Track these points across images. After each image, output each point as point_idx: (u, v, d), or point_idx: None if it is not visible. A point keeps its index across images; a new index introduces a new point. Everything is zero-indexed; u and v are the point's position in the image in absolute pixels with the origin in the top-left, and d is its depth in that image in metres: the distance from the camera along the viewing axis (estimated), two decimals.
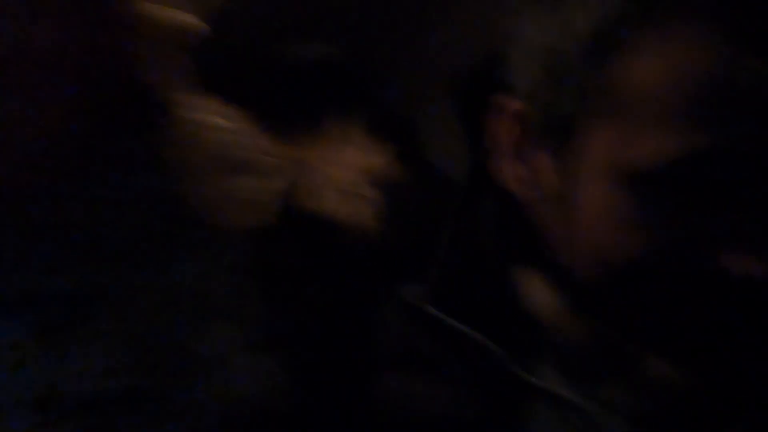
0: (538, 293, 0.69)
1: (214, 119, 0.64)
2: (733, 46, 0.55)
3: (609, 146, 0.61)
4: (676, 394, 0.64)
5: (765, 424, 0.65)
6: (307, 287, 0.68)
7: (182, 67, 0.64)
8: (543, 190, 0.67)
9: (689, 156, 0.57)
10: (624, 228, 0.61)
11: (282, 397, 0.64)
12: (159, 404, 0.60)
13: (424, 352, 0.68)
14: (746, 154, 0.57)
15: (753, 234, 0.58)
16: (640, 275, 0.61)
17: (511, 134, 0.67)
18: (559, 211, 0.66)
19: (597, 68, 0.60)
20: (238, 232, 0.63)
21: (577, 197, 0.64)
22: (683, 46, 0.57)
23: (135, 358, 0.59)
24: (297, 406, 0.65)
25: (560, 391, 0.66)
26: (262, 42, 0.85)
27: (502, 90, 0.68)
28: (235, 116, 0.65)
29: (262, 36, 0.85)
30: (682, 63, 0.57)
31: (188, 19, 0.64)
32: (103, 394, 0.59)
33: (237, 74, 0.75)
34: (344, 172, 0.69)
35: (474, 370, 0.67)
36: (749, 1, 0.55)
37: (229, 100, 0.66)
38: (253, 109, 0.66)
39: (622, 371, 0.65)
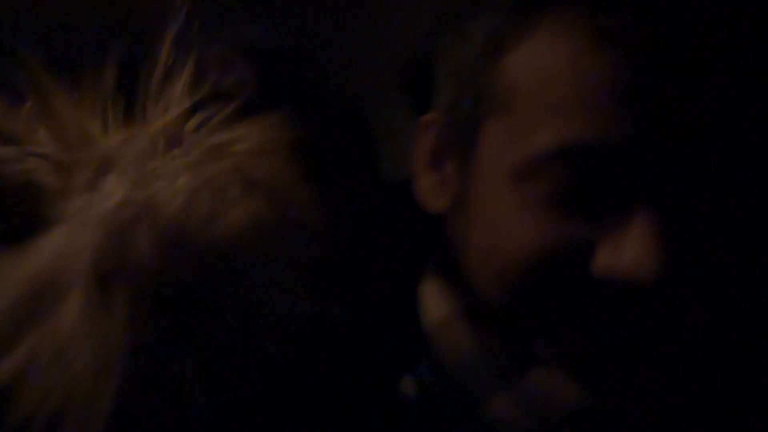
0: (433, 304, 0.69)
1: None
2: (601, 44, 0.59)
3: (499, 146, 0.63)
4: (563, 408, 0.64)
5: None
6: None
7: None
8: (451, 199, 0.69)
9: (559, 150, 0.59)
10: (510, 230, 0.62)
11: None
12: None
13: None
14: (615, 148, 0.59)
15: (624, 235, 0.59)
16: (527, 282, 0.62)
17: (426, 144, 0.70)
18: (462, 220, 0.68)
19: (488, 71, 0.63)
20: None
21: (473, 202, 0.66)
22: (556, 46, 0.60)
23: None
24: None
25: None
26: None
27: None
28: None
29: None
30: (554, 62, 0.60)
31: None
32: None
33: None
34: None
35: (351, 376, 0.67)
36: (614, 4, 0.59)
37: None
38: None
39: (508, 386, 0.65)
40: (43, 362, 0.39)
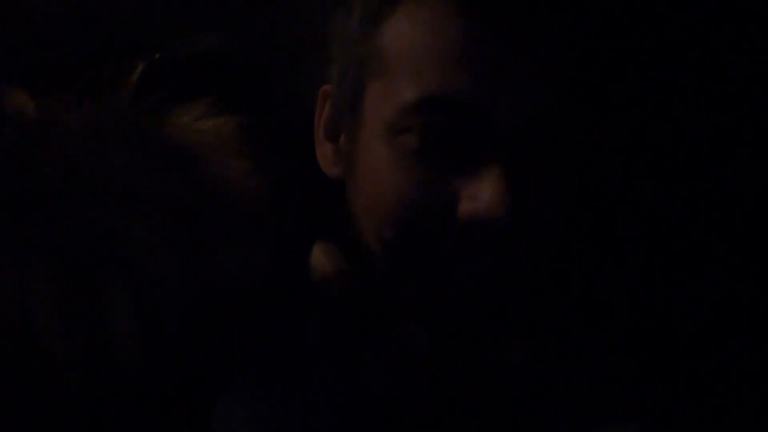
0: (319, 263, 0.76)
1: None
2: (452, 11, 0.67)
3: (377, 106, 0.71)
4: (417, 355, 0.71)
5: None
6: None
7: None
8: (344, 164, 0.76)
9: (420, 103, 0.67)
10: (384, 183, 0.69)
11: None
12: None
13: None
14: (466, 101, 0.66)
15: (481, 184, 0.67)
16: (400, 231, 0.69)
17: (324, 115, 0.78)
18: (351, 182, 0.75)
19: (367, 40, 0.71)
20: None
21: (358, 162, 0.73)
22: (418, 14, 0.69)
23: None
24: None
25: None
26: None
27: None
28: None
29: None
30: (416, 27, 0.69)
31: None
32: None
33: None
34: None
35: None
36: None
37: None
38: None
39: (380, 335, 0.72)
40: None
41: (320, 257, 0.76)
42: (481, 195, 0.66)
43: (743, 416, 0.76)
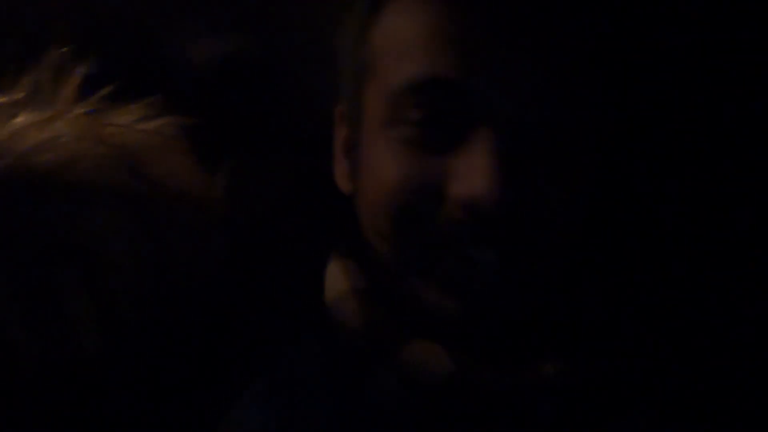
0: (333, 282, 0.75)
1: None
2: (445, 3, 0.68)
3: (372, 104, 0.71)
4: (436, 377, 0.69)
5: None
6: None
7: None
8: (352, 173, 0.76)
9: (407, 86, 0.67)
10: (380, 173, 0.69)
11: None
12: None
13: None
14: (448, 80, 0.66)
15: (471, 169, 0.65)
16: (396, 220, 0.68)
17: (341, 133, 0.78)
18: (356, 184, 0.74)
19: (362, 46, 0.72)
20: None
21: (362, 162, 0.72)
22: (401, 7, 0.70)
23: None
24: None
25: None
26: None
27: None
28: None
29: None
30: (399, 19, 0.70)
31: None
32: None
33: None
34: None
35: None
36: None
37: None
38: None
39: (388, 358, 0.71)
40: None
41: (337, 274, 0.76)
42: (471, 174, 0.65)
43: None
